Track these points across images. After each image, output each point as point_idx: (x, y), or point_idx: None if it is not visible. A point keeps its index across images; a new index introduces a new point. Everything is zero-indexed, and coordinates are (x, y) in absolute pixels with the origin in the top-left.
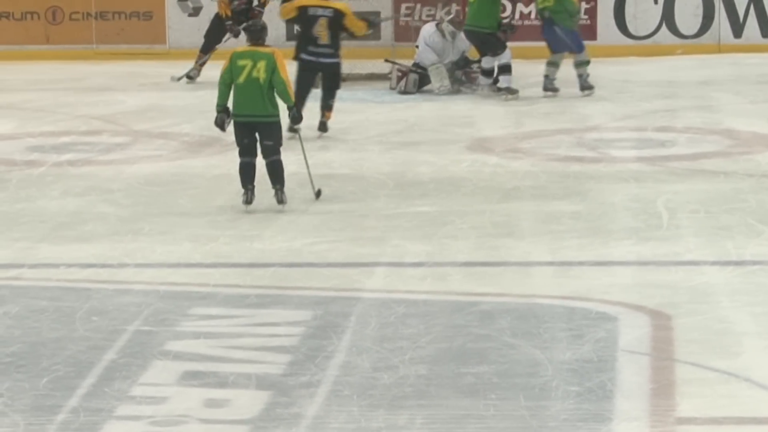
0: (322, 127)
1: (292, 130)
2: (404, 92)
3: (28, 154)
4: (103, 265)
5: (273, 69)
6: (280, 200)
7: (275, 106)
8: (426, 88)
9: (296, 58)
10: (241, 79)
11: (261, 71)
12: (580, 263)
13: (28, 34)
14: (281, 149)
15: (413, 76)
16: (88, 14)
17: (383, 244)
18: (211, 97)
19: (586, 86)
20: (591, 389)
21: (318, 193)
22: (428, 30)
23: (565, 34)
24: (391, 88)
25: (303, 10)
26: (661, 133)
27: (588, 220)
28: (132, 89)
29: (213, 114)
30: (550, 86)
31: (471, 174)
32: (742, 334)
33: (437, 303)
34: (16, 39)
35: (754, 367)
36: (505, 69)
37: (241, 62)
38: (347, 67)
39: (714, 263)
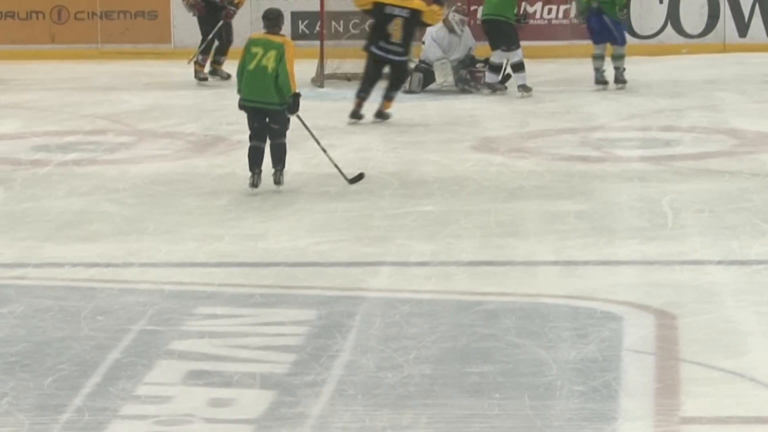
0: (380, 114)
1: (355, 116)
2: (409, 92)
3: (33, 154)
4: (108, 265)
5: (281, 59)
6: (277, 181)
7: (283, 95)
8: (430, 87)
9: (366, 49)
10: (252, 65)
11: (270, 60)
12: (585, 263)
13: (33, 33)
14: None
15: (417, 75)
16: (93, 14)
17: (388, 244)
18: (215, 97)
19: (621, 80)
20: (596, 388)
21: (358, 177)
22: (435, 26)
23: (613, 25)
24: None
25: (379, 6)
26: (666, 133)
27: (593, 219)
28: (137, 89)
29: (217, 114)
30: (601, 79)
31: (476, 173)
32: (747, 333)
33: (442, 302)
34: (21, 38)
35: (759, 367)
36: (519, 67)
37: (254, 49)
38: (351, 66)
39: (719, 263)
